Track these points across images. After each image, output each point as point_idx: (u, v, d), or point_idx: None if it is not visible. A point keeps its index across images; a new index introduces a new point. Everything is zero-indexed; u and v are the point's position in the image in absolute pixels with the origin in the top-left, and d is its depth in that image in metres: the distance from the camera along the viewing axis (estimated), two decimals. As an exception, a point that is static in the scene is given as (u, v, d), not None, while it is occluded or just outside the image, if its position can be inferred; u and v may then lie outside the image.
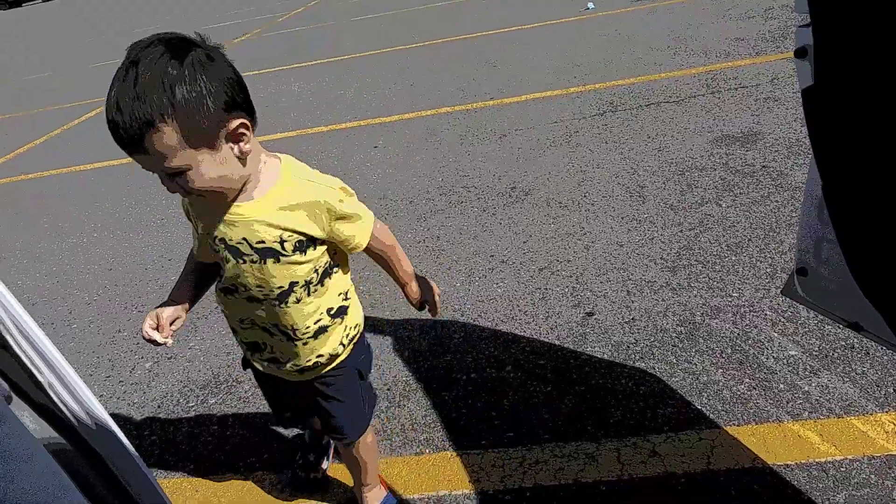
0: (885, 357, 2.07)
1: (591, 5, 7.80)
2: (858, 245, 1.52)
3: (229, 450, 2.21)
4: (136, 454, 0.78)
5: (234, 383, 2.54)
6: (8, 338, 0.65)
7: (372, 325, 2.69)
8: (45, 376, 0.68)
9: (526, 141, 4.29)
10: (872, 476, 1.71)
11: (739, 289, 2.53)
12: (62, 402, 0.70)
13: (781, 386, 2.05)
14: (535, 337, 2.47)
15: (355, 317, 1.60)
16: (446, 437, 2.08)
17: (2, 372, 0.65)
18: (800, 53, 1.51)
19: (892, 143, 1.38)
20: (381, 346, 2.57)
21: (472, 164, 4.10)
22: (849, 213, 1.52)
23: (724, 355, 2.22)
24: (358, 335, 1.61)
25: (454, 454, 2.01)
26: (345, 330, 1.56)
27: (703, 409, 2.02)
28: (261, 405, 2.37)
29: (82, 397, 0.70)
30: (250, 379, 2.52)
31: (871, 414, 1.90)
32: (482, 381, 2.27)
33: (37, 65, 12.59)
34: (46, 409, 0.72)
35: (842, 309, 1.61)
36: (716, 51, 5.33)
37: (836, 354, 2.12)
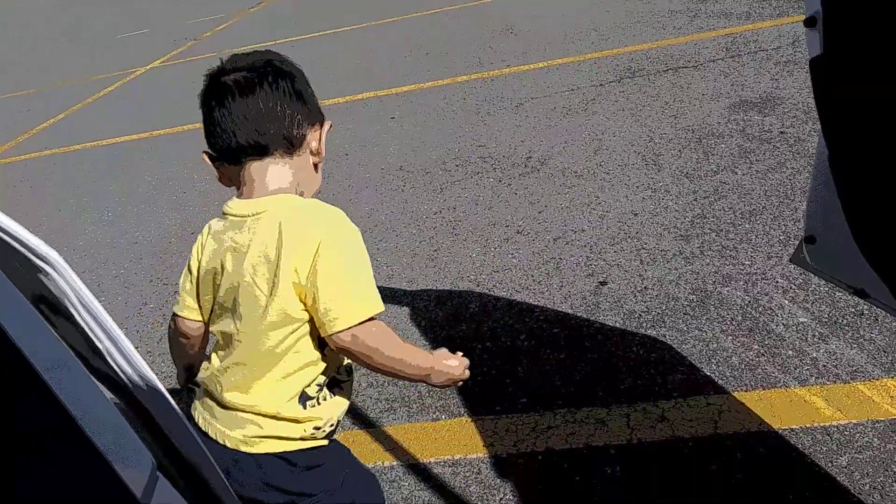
0: (894, 324, 2.09)
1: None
2: (862, 214, 1.54)
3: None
4: (181, 413, 0.85)
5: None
6: (72, 310, 0.72)
7: (389, 294, 2.76)
8: (103, 343, 0.75)
9: (542, 109, 4.29)
10: (875, 440, 1.75)
11: (752, 257, 2.55)
12: (118, 366, 0.77)
13: (790, 352, 2.09)
14: (548, 306, 2.52)
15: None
16: (462, 404, 2.15)
17: (64, 339, 0.72)
18: (809, 23, 1.52)
19: None
20: (399, 316, 2.64)
21: (488, 134, 4.11)
22: (854, 183, 1.54)
23: (734, 322, 2.26)
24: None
25: (469, 420, 2.09)
26: None
27: (712, 375, 2.07)
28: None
29: (135, 362, 0.77)
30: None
31: (878, 379, 1.93)
32: (497, 350, 2.33)
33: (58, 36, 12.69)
34: (103, 373, 0.79)
35: (848, 276, 1.64)
36: (736, 13, 5.23)
37: (844, 321, 2.15)
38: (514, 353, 2.31)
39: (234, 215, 1.22)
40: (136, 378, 0.76)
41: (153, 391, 0.78)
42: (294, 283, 1.14)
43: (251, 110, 1.18)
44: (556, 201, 3.22)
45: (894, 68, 1.39)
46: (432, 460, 1.98)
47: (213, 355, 1.29)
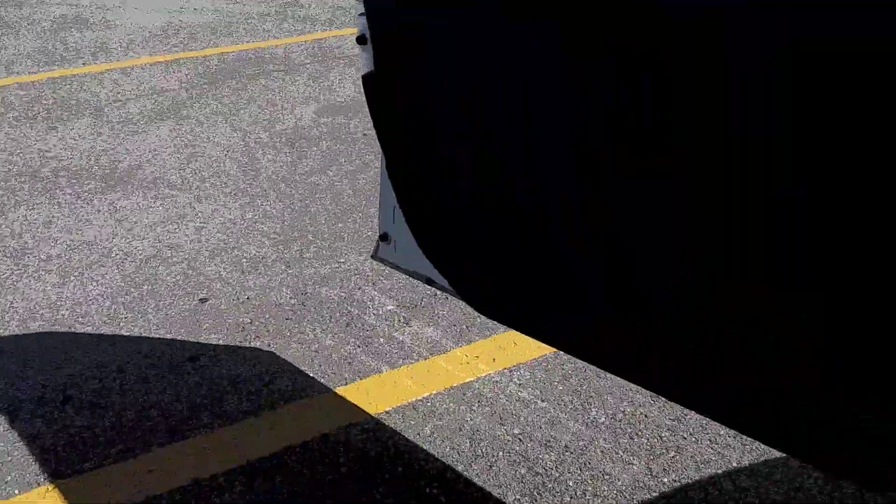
0: (460, 301, 2.43)
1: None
2: (417, 213, 1.73)
3: None
4: None
5: None
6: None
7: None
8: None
9: (126, 114, 3.94)
10: (451, 405, 2.02)
11: (346, 255, 2.72)
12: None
13: (381, 340, 2.28)
14: (144, 335, 2.33)
15: None
16: (39, 472, 1.86)
17: None
18: (361, 41, 1.63)
19: (441, 121, 1.58)
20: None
21: (62, 145, 3.63)
22: (403, 186, 1.72)
23: (332, 320, 2.37)
24: None
25: (52, 489, 1.82)
26: None
27: (317, 375, 2.15)
28: None
29: None
30: None
31: (450, 350, 2.23)
32: (83, 397, 2.07)
33: None
34: None
35: (417, 267, 1.83)
36: (321, 19, 5.51)
37: (423, 303, 2.43)
38: (105, 396, 2.08)
39: None
40: None
41: None
42: None
43: None
44: (147, 216, 2.99)
45: (432, 87, 1.58)
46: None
47: None
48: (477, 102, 1.41)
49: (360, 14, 1.57)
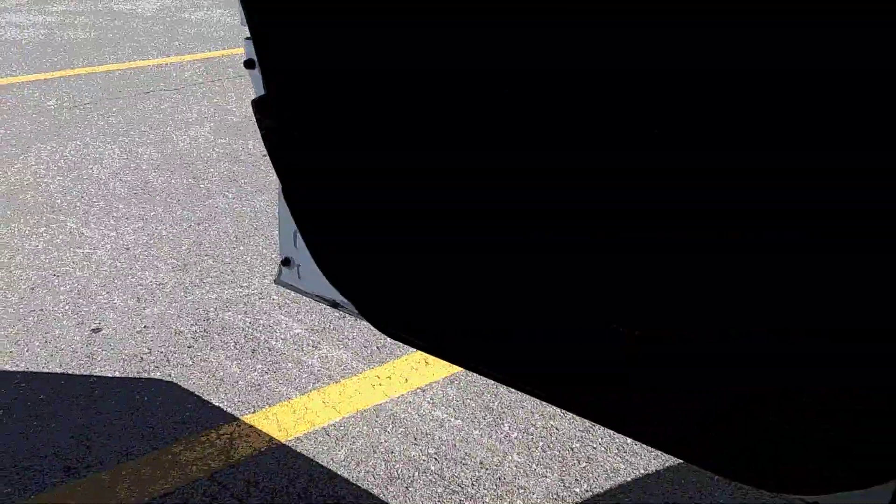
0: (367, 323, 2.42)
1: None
2: (317, 238, 1.72)
3: None
4: None
5: None
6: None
7: None
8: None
9: (4, 135, 3.67)
10: (365, 427, 2.00)
11: (249, 279, 2.64)
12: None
13: (290, 365, 2.23)
14: (31, 369, 2.17)
15: None
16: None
17: None
18: (249, 64, 1.61)
19: (334, 145, 1.58)
20: None
21: (-73, 167, 3.34)
22: (299, 211, 1.70)
23: (237, 346, 2.30)
24: None
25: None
26: None
27: (221, 405, 2.07)
28: None
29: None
30: None
31: (361, 372, 2.21)
32: (-38, 437, 1.90)
33: None
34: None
35: (321, 291, 1.81)
36: (213, 37, 5.37)
37: (332, 326, 2.40)
38: (-13, 436, 1.91)
39: None
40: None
41: None
42: None
43: None
44: (30, 242, 2.79)
45: (323, 105, 1.58)
46: None
47: None
48: (373, 118, 1.42)
49: (247, 38, 1.55)
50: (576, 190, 1.10)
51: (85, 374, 2.16)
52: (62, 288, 2.55)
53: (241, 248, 2.82)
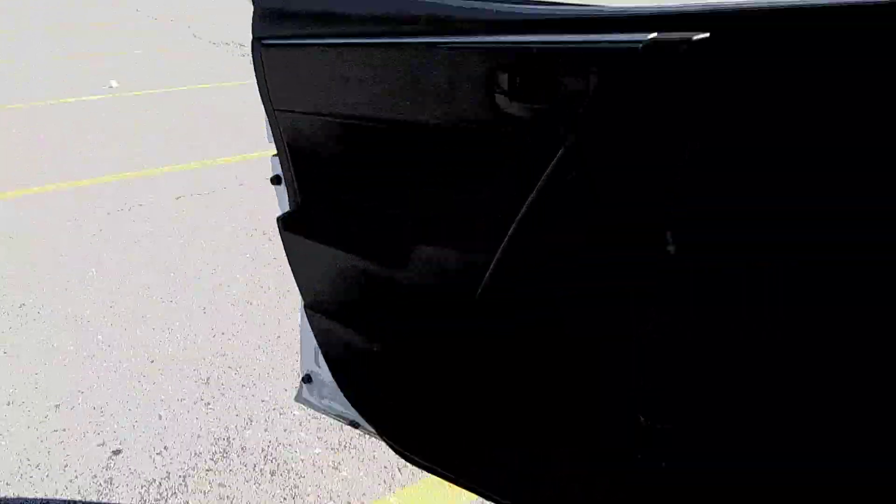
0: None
1: (114, 83, 7.34)
2: (338, 360, 1.70)
3: None
4: None
5: None
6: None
7: None
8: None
9: (39, 243, 3.78)
10: (385, 562, 1.92)
11: (270, 392, 2.62)
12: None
13: (309, 489, 2.18)
14: (50, 496, 2.15)
15: None
16: None
17: None
18: (275, 181, 1.63)
19: (352, 265, 1.58)
20: None
21: (-36, 279, 3.43)
22: (324, 332, 1.69)
23: (256, 469, 2.26)
24: None
25: None
26: None
27: (239, 535, 2.02)
28: None
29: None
30: None
31: (383, 497, 2.14)
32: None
33: None
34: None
35: (342, 410, 1.78)
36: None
37: (352, 443, 2.35)
38: (2, 574, 1.88)
39: None
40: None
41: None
42: None
43: None
44: (53, 357, 2.82)
45: (341, 231, 1.59)
46: None
47: None
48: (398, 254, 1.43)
49: (273, 156, 1.57)
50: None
51: (103, 501, 2.13)
52: (84, 405, 2.55)
53: (264, 358, 2.82)
